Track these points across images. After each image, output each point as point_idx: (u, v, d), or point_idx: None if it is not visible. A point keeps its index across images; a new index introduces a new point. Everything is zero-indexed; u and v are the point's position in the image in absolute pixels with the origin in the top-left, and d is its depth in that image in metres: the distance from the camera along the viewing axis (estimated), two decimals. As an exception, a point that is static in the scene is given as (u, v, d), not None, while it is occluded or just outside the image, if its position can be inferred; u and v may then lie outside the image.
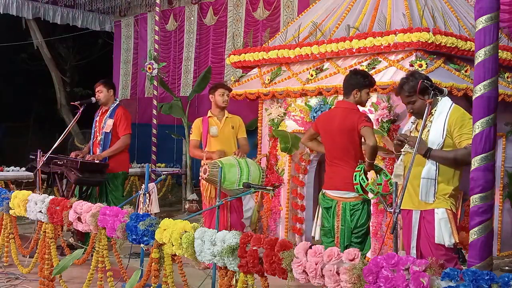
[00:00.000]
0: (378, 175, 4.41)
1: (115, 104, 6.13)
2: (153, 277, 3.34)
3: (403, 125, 5.31)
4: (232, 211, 5.35)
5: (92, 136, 6.18)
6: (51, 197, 4.35)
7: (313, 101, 6.10)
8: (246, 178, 4.88)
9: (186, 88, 11.61)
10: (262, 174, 5.10)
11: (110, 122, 5.98)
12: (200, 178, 5.17)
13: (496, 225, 5.95)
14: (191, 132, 5.52)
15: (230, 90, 5.65)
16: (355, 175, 4.24)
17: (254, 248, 2.77)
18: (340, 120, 4.34)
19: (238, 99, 6.73)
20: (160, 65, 8.25)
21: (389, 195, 4.71)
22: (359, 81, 4.39)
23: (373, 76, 5.49)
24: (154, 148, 8.20)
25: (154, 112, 8.21)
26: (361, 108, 4.50)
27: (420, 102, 3.61)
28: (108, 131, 5.97)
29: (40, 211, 4.29)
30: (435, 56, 5.43)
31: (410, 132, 3.78)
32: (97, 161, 5.88)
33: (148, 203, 4.70)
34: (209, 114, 5.51)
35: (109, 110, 6.06)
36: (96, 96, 6.10)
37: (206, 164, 4.95)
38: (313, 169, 6.39)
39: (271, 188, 4.89)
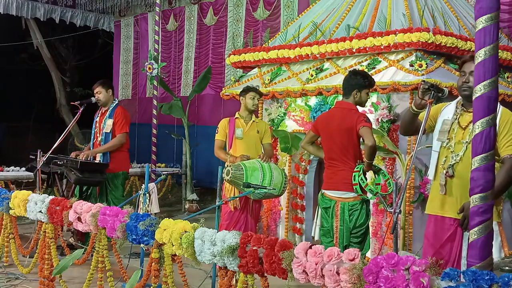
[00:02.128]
0: (376, 175, 4.41)
1: (114, 104, 6.13)
2: (153, 277, 3.34)
3: (403, 125, 5.31)
4: (252, 217, 5.30)
5: (92, 137, 6.18)
6: (51, 197, 4.34)
7: (313, 101, 6.11)
8: (268, 183, 4.83)
9: (186, 88, 11.62)
10: (285, 180, 5.03)
11: (110, 122, 5.99)
12: (224, 180, 5.06)
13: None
14: (216, 131, 5.46)
15: (261, 94, 5.61)
16: (354, 176, 4.24)
17: (254, 248, 2.77)
18: (339, 120, 4.34)
19: (238, 99, 6.73)
20: (160, 65, 8.25)
21: (388, 195, 4.70)
22: (359, 82, 4.38)
23: (373, 76, 5.50)
24: (154, 148, 8.20)
25: (154, 112, 8.21)
26: (360, 109, 4.50)
27: None
28: (108, 131, 5.98)
29: (40, 211, 4.28)
30: (435, 56, 5.43)
31: (452, 123, 3.38)
32: (97, 161, 5.88)
33: (148, 203, 4.70)
34: (236, 115, 5.47)
35: (109, 110, 6.06)
36: (96, 97, 6.10)
37: (230, 166, 4.88)
38: (313, 169, 6.39)
39: (273, 188, 4.87)
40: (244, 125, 5.40)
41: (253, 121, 5.44)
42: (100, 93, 6.08)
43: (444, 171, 3.33)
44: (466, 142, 3.27)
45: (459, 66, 3.45)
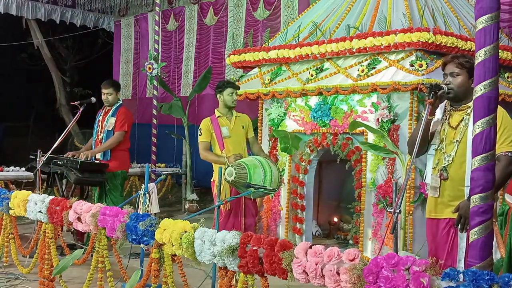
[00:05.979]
0: None
1: (118, 104, 6.16)
2: (153, 277, 3.34)
3: (403, 125, 5.31)
4: (249, 215, 5.23)
5: (94, 135, 6.19)
6: (51, 197, 4.34)
7: (313, 101, 6.10)
8: (270, 179, 4.77)
9: (186, 88, 11.62)
10: (280, 175, 4.92)
11: (112, 120, 6.02)
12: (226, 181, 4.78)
13: (496, 225, 5.94)
14: (200, 133, 5.24)
15: (238, 88, 5.47)
16: None
17: (254, 248, 2.77)
18: None
19: (238, 99, 6.73)
20: (160, 65, 8.24)
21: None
22: None
23: (373, 76, 5.50)
24: (154, 148, 8.20)
25: (154, 112, 8.21)
26: None
27: (462, 81, 3.24)
28: (110, 129, 6.00)
29: (40, 211, 4.28)
30: (435, 56, 5.43)
31: (442, 124, 3.38)
32: (97, 161, 5.88)
33: (148, 203, 4.69)
34: (217, 114, 5.28)
35: (112, 109, 6.10)
36: (104, 97, 6.10)
37: (232, 165, 4.64)
38: (313, 169, 6.39)
39: (272, 188, 4.85)
40: (228, 123, 5.27)
41: (236, 116, 5.32)
42: (110, 95, 6.09)
43: (438, 174, 3.32)
44: (457, 141, 3.27)
45: (442, 68, 3.40)
